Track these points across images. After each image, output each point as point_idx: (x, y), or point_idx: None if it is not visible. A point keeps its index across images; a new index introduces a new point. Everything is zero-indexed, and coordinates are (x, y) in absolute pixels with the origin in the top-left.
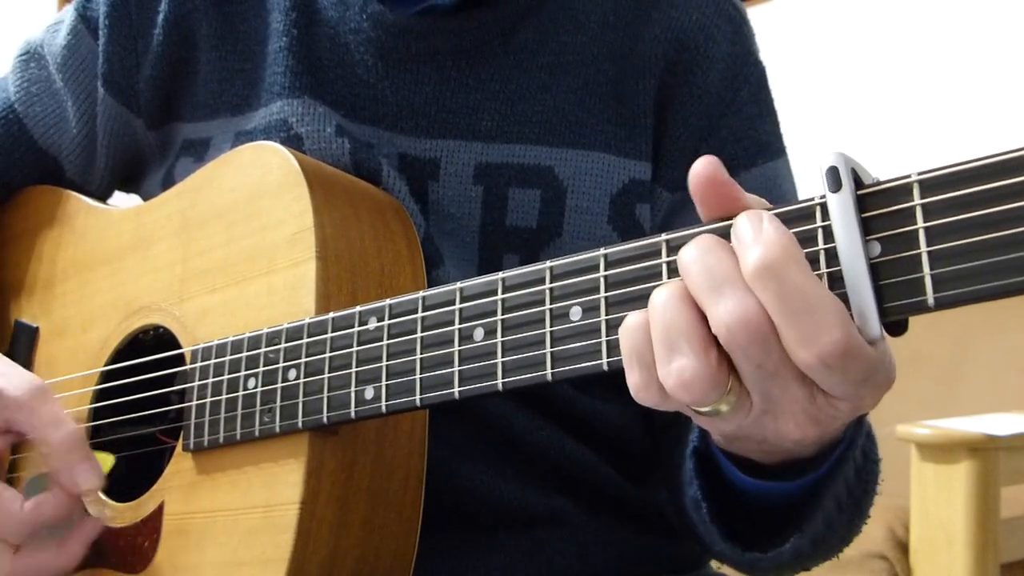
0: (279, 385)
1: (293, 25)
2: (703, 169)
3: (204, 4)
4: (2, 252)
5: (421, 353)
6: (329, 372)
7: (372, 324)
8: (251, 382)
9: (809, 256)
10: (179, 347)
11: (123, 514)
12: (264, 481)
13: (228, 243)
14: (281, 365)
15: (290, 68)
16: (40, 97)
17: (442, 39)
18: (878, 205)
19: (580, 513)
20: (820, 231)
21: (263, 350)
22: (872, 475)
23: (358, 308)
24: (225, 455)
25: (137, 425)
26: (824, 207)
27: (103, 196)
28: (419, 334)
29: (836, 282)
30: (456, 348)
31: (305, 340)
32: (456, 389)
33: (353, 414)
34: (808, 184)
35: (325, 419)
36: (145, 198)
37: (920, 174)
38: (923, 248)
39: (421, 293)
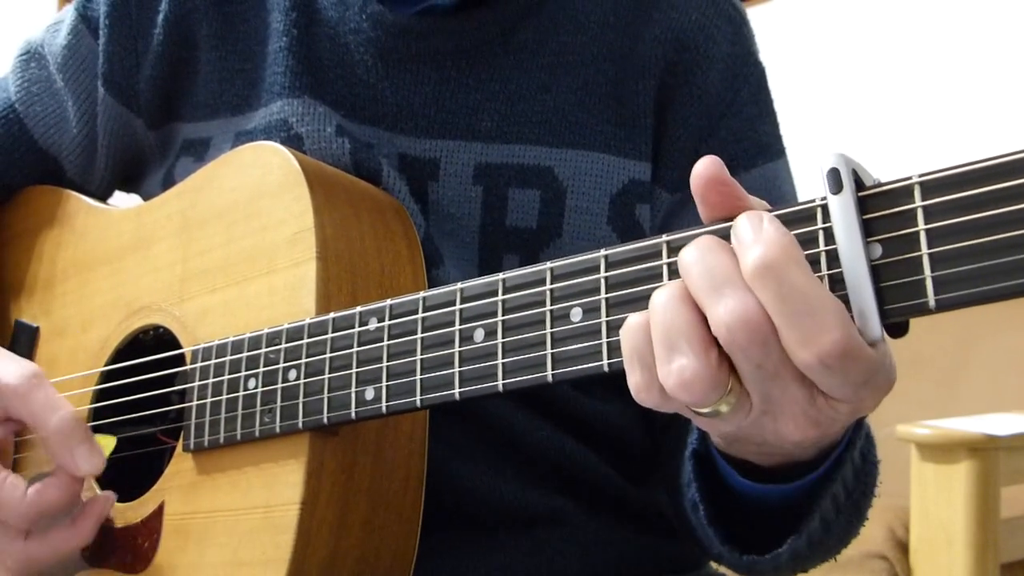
0: (279, 385)
1: (293, 25)
2: (705, 169)
3: (204, 4)
4: (2, 252)
5: (422, 354)
6: (329, 373)
7: (373, 325)
8: (251, 382)
9: (810, 258)
10: (179, 347)
11: (123, 514)
12: (264, 481)
13: (228, 243)
14: (281, 365)
15: (290, 68)
16: (40, 97)
17: (442, 39)
18: (879, 207)
19: (580, 513)
20: (821, 233)
21: (263, 350)
22: (870, 477)
23: (359, 308)
24: (225, 455)
25: (137, 425)
26: (825, 209)
27: (103, 196)
28: (420, 335)
29: (837, 284)
30: (457, 349)
31: (305, 340)
32: (457, 390)
33: (353, 415)
34: (808, 185)
35: (325, 420)
36: (145, 198)
37: (921, 176)
38: (924, 250)
39: (422, 294)
